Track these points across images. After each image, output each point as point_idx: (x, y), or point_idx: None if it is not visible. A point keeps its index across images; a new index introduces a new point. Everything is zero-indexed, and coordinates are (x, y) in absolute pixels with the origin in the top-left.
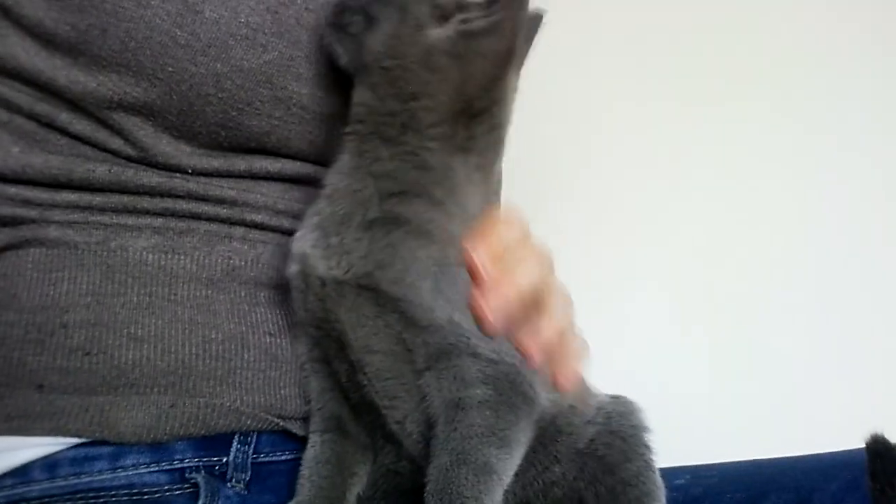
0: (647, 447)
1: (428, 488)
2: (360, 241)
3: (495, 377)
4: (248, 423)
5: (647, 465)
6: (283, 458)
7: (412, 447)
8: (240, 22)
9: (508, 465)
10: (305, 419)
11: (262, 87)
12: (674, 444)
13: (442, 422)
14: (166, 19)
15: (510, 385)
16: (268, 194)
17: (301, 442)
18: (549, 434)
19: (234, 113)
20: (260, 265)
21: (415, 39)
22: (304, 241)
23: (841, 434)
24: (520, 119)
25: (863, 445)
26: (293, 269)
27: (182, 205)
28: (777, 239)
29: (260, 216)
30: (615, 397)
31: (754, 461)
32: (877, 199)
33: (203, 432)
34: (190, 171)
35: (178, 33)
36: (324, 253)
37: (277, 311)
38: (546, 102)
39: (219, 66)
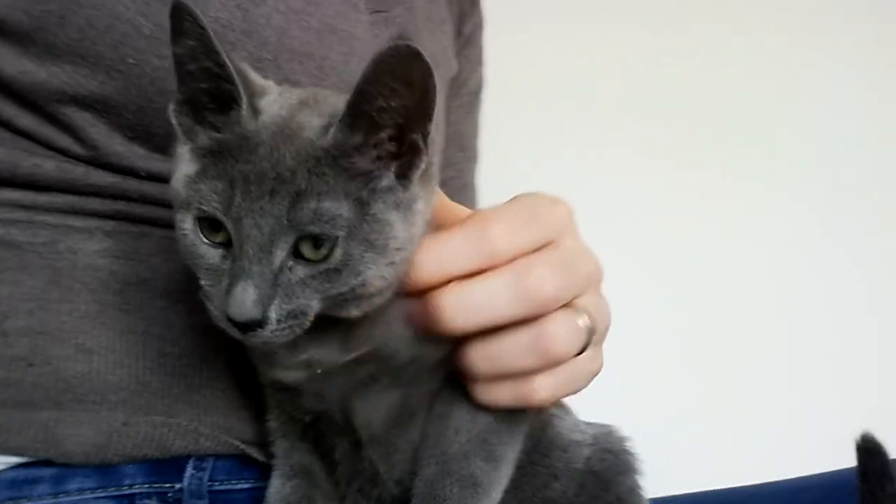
0: (635, 466)
1: (413, 501)
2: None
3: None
4: (207, 445)
5: (636, 482)
6: (241, 486)
7: (392, 490)
8: (209, 17)
9: (494, 478)
10: (265, 444)
11: None
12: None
13: (431, 435)
14: (131, 7)
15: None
16: None
17: (260, 470)
18: (542, 445)
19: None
20: None
21: None
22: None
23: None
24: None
25: (831, 470)
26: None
27: (136, 208)
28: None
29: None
30: (595, 424)
31: (715, 491)
32: (852, 225)
33: (157, 454)
34: (143, 174)
35: (143, 23)
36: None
37: None
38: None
39: (156, 61)
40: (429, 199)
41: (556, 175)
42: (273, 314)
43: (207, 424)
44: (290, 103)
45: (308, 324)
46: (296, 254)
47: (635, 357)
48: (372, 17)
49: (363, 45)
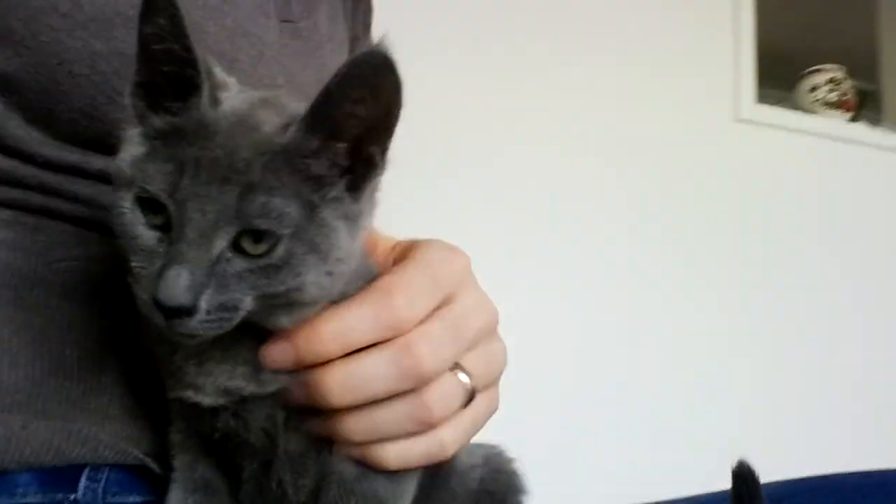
0: (524, 485)
1: None
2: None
3: None
4: (106, 454)
5: (525, 500)
6: (134, 499)
7: None
8: (129, 1)
9: (397, 494)
10: (162, 456)
11: None
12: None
13: (333, 457)
14: None
15: None
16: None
17: (153, 483)
18: (443, 470)
19: (102, 100)
20: (119, 274)
21: None
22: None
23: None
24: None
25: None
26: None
27: (34, 198)
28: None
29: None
30: (483, 445)
31: None
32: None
33: (55, 461)
34: (40, 160)
35: (61, 1)
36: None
37: (139, 331)
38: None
39: (98, 44)
40: (372, 215)
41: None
42: (203, 303)
43: (107, 432)
44: (250, 100)
45: (236, 320)
46: (235, 246)
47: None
48: (281, 26)
49: (272, 51)
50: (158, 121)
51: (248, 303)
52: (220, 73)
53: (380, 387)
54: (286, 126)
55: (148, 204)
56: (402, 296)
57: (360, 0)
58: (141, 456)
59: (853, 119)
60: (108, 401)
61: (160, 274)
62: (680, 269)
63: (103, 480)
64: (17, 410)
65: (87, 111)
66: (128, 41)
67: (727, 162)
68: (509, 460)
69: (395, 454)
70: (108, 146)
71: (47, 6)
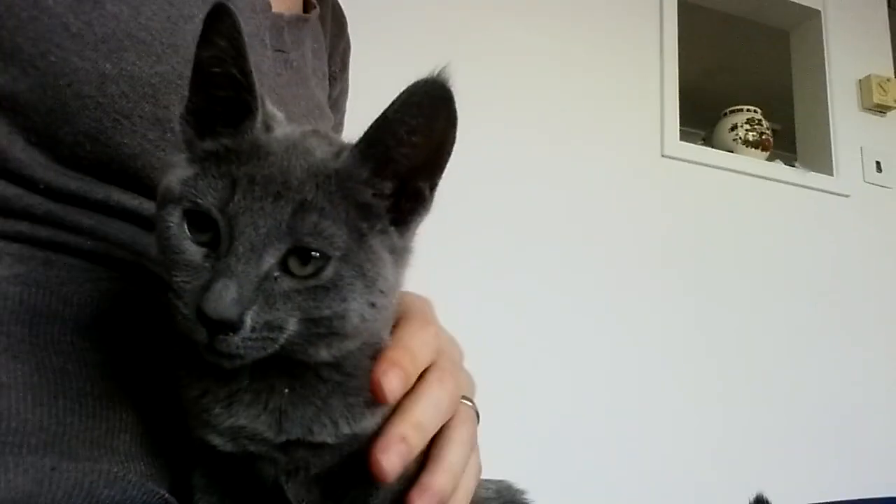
0: None
1: None
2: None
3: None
4: (134, 494)
5: None
6: None
7: None
8: (139, 23)
9: None
10: (181, 494)
11: (145, 101)
12: None
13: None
14: (61, 2)
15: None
16: (125, 231)
17: None
18: None
19: (108, 124)
20: (132, 311)
21: None
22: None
23: None
24: None
25: None
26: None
27: (41, 231)
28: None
29: (121, 253)
30: (492, 480)
31: None
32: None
33: (86, 503)
34: (42, 186)
35: (72, 20)
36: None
37: (152, 367)
38: None
39: (108, 66)
40: (412, 256)
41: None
42: (249, 319)
43: (134, 472)
44: (301, 130)
45: (279, 343)
46: (283, 266)
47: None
48: (274, 55)
49: (268, 80)
50: (209, 144)
51: (292, 325)
52: (269, 104)
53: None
54: (339, 153)
55: (196, 220)
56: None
57: (340, 37)
58: (167, 495)
59: (769, 158)
60: (130, 439)
61: (207, 286)
62: (609, 298)
63: None
64: (43, 451)
65: (93, 134)
66: (137, 64)
67: (654, 195)
68: (520, 492)
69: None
70: (111, 172)
71: (57, 25)
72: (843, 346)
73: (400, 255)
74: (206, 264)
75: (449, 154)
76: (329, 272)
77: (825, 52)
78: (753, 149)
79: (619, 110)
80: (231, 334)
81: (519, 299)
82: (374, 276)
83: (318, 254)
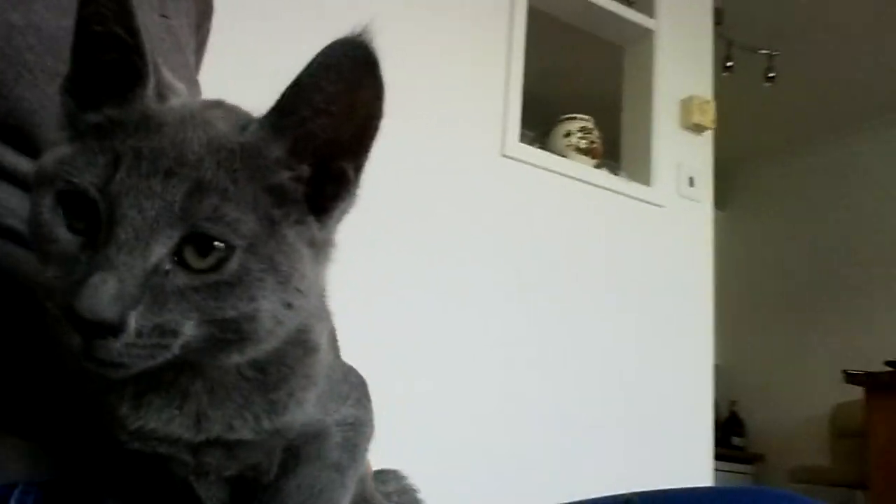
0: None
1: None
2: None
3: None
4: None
5: None
6: None
7: None
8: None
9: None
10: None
11: (49, 55)
12: None
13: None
14: None
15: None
16: (14, 197)
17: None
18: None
19: (11, 76)
20: (20, 286)
21: None
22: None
23: None
24: None
25: None
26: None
27: None
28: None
29: (11, 221)
30: (385, 472)
31: None
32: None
33: None
34: None
35: None
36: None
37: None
38: None
39: (16, 17)
40: (335, 250)
41: None
42: (133, 322)
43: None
44: (202, 102)
45: (172, 352)
46: (178, 257)
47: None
48: (160, 20)
49: (154, 43)
50: (93, 117)
51: (189, 329)
52: (167, 73)
53: None
54: (245, 126)
55: (72, 204)
56: None
57: (206, 20)
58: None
59: (598, 166)
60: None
61: (81, 281)
62: (447, 289)
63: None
64: None
65: None
66: (45, 17)
67: (493, 193)
68: (406, 477)
69: None
70: (6, 129)
71: None
72: (652, 345)
73: (320, 248)
74: (83, 257)
75: (376, 129)
76: (233, 265)
77: (654, 70)
78: (584, 156)
79: (463, 107)
80: (111, 339)
81: (350, 295)
82: (289, 272)
83: (219, 243)
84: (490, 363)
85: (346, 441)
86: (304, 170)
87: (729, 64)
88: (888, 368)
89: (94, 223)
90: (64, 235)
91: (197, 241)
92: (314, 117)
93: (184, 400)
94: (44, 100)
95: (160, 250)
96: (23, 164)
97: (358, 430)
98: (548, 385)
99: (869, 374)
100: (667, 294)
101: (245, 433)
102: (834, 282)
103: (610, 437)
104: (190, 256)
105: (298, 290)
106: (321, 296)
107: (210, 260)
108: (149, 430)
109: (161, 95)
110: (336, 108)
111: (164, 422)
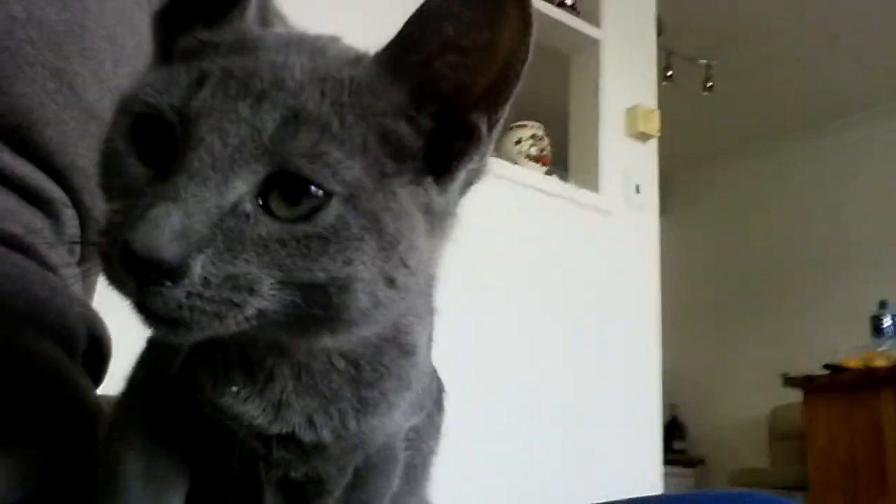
0: None
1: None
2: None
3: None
4: None
5: None
6: None
7: None
8: None
9: None
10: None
11: (48, 50)
12: None
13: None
14: None
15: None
16: (8, 203)
17: None
18: None
19: (10, 69)
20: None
21: None
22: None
23: None
24: None
25: None
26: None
27: None
28: None
29: (8, 226)
30: None
31: None
32: None
33: None
34: None
35: None
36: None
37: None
38: None
39: (17, 9)
40: (457, 226)
41: None
42: (198, 266)
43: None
44: (315, 32)
45: (245, 315)
46: (263, 199)
47: None
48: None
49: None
50: (184, 41)
51: (267, 288)
52: (276, 4)
53: None
54: (359, 59)
55: (148, 130)
56: None
57: None
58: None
59: (548, 173)
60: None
61: (142, 213)
62: None
63: None
64: None
65: None
66: (46, 9)
67: None
68: None
69: None
70: (6, 127)
71: None
72: (601, 351)
73: (439, 218)
74: (151, 190)
75: (519, 74)
76: (328, 217)
77: (600, 80)
78: (534, 163)
79: None
80: (168, 284)
81: None
82: (396, 237)
83: (314, 188)
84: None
85: (409, 465)
86: (426, 120)
87: (669, 73)
88: (826, 371)
89: (170, 151)
90: (134, 166)
91: (287, 182)
92: (443, 53)
93: (267, 382)
94: (42, 95)
95: (241, 186)
96: (19, 168)
97: (416, 447)
98: (492, 391)
99: (807, 378)
100: (616, 300)
101: (325, 434)
102: (772, 286)
103: (557, 444)
104: (277, 201)
105: (405, 265)
106: (429, 283)
107: (301, 208)
108: (225, 406)
109: (265, 20)
110: (471, 42)
111: (242, 400)
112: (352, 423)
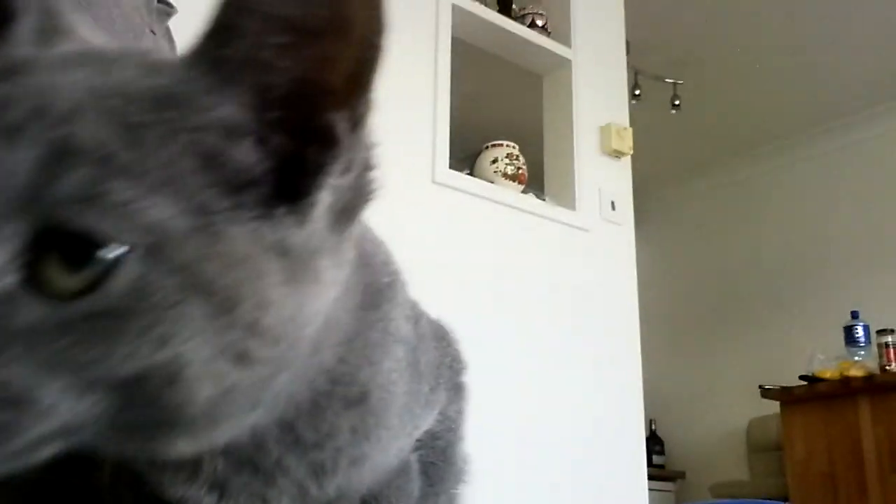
0: None
1: None
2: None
3: None
4: None
5: None
6: None
7: None
8: None
9: None
10: None
11: None
12: None
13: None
14: None
15: None
16: None
17: None
18: None
19: None
20: None
21: None
22: None
23: None
24: None
25: None
26: None
27: None
28: None
29: None
30: None
31: None
32: None
33: None
34: None
35: None
36: None
37: None
38: None
39: None
40: (345, 256)
41: None
42: None
43: None
44: (110, 45)
45: (34, 440)
46: (28, 270)
47: None
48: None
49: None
50: None
51: (55, 397)
52: (72, 18)
53: None
54: (164, 65)
55: None
56: None
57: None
58: None
59: (524, 191)
60: None
61: None
62: None
63: None
64: None
65: None
66: None
67: (426, 219)
68: None
69: None
70: None
71: None
72: (581, 367)
73: (302, 259)
74: None
75: (377, 52)
76: (123, 280)
77: (573, 99)
78: (511, 181)
79: (393, 135)
80: None
81: None
82: (234, 295)
83: (100, 243)
84: None
85: (426, 464)
86: (268, 132)
87: (637, 93)
88: (802, 383)
89: None
90: None
91: (63, 241)
92: (270, 38)
93: (196, 463)
94: None
95: None
96: None
97: (431, 445)
98: (472, 409)
99: (784, 389)
100: (595, 316)
101: None
102: (746, 299)
103: (539, 462)
104: (54, 269)
105: (257, 331)
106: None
107: (85, 275)
108: (169, 495)
109: (45, 32)
110: (306, 17)
111: (182, 482)
112: (313, 489)
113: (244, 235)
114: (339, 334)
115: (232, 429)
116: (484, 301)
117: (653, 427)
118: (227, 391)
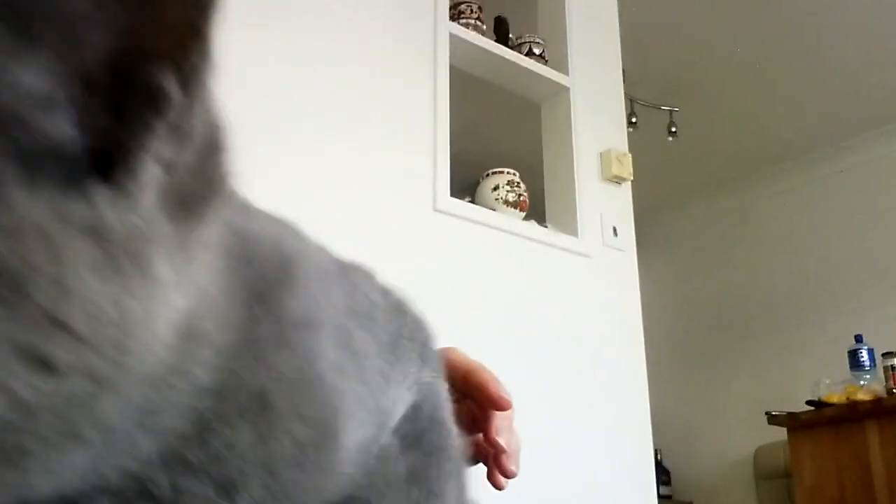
0: None
1: None
2: None
3: None
4: None
5: None
6: None
7: None
8: None
9: None
10: None
11: None
12: None
13: None
14: None
15: None
16: None
17: None
18: None
19: None
20: None
21: None
22: None
23: None
24: None
25: None
26: None
27: None
28: None
29: None
30: None
31: None
32: None
33: None
34: None
35: None
36: None
37: None
38: None
39: None
40: (193, 255)
41: None
42: None
43: None
44: None
45: None
46: None
47: None
48: None
49: None
50: None
51: None
52: None
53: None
54: None
55: None
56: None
57: None
58: None
59: (525, 218)
60: None
61: None
62: None
63: None
64: None
65: None
66: None
67: (428, 246)
68: None
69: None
70: None
71: None
72: (587, 395)
73: (122, 244)
74: None
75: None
76: None
77: (572, 126)
78: (513, 208)
79: (394, 164)
80: None
81: None
82: (22, 273)
83: None
84: None
85: (419, 440)
86: (80, 95)
87: (633, 120)
88: (809, 408)
89: None
90: None
91: None
92: None
93: None
94: None
95: None
96: None
97: (422, 416)
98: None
99: (791, 415)
100: (600, 343)
101: None
102: (748, 325)
103: (546, 492)
104: None
105: (56, 322)
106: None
107: None
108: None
109: None
110: None
111: None
112: None
113: (39, 206)
114: (213, 348)
115: (45, 473)
116: (487, 328)
117: (658, 457)
118: (25, 410)
